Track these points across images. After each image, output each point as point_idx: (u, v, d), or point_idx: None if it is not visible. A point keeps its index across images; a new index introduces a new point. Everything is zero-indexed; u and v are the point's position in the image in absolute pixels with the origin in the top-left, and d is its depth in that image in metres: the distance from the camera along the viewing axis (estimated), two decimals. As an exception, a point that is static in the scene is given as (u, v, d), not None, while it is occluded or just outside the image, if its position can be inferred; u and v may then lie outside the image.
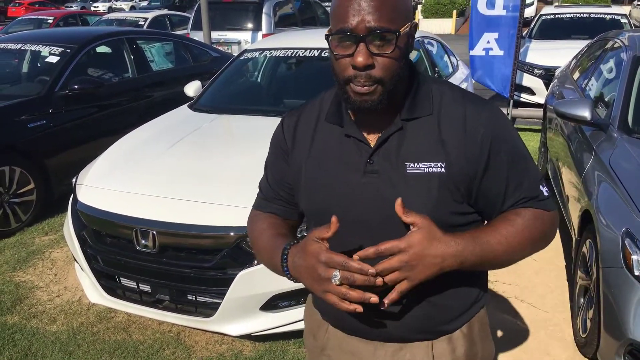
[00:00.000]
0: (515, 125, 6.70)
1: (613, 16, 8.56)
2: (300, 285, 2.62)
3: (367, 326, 1.13)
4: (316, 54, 3.79)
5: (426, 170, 1.04)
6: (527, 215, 1.09)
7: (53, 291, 3.22)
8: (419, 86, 1.10)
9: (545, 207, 1.11)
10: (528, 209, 1.10)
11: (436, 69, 4.76)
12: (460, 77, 5.20)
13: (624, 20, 8.40)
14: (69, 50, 4.65)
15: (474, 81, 6.39)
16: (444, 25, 21.09)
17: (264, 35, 8.34)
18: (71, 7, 30.84)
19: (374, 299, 0.95)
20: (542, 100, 6.49)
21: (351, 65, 0.99)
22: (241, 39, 8.63)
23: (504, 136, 1.08)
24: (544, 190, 1.12)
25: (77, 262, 2.90)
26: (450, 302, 1.13)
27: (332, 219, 0.98)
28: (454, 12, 21.28)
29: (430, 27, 20.93)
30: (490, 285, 3.13)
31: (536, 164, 5.34)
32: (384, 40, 0.97)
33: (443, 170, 1.04)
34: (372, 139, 1.09)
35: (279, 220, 1.25)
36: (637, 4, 19.94)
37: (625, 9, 10.45)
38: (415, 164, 1.05)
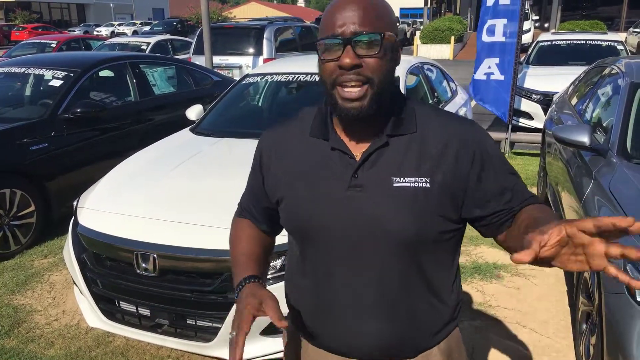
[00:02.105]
0: (514, 150, 6.74)
1: (609, 43, 8.67)
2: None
3: (346, 345, 1.16)
4: (317, 79, 3.83)
5: (412, 185, 1.06)
6: (538, 207, 1.12)
7: (51, 315, 3.19)
8: (403, 104, 1.13)
9: (539, 201, 1.16)
10: (533, 205, 1.12)
11: (435, 93, 4.81)
12: (459, 102, 5.25)
13: (620, 47, 8.52)
14: (72, 74, 4.70)
15: (473, 104, 6.45)
16: (443, 51, 21.36)
17: (265, 60, 8.45)
18: (74, 31, 31.30)
19: None
20: (540, 125, 6.54)
21: (338, 67, 1.02)
22: (242, 64, 8.73)
23: (491, 151, 1.12)
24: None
25: (76, 285, 2.88)
26: (427, 318, 1.15)
27: (282, 326, 1.00)
28: (452, 38, 21.57)
29: (429, 52, 21.21)
30: (491, 311, 3.11)
31: (536, 188, 5.40)
32: (370, 43, 1.01)
33: (428, 185, 1.06)
34: (358, 154, 1.10)
35: (257, 233, 1.32)
36: (633, 31, 20.23)
37: (621, 36, 10.60)
38: (402, 178, 1.07)
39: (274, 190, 1.20)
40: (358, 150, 1.10)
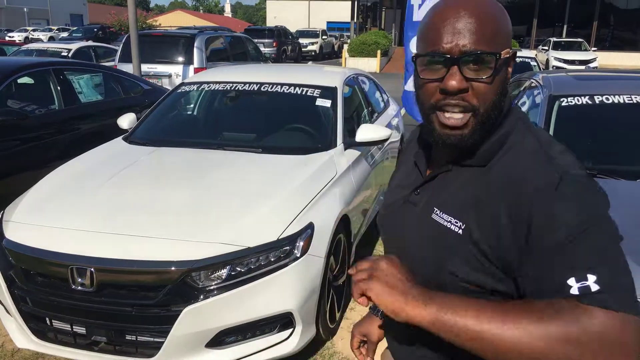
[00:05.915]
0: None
1: (523, 59, 9.31)
2: (246, 320, 2.53)
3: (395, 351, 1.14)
4: (255, 88, 3.83)
5: (445, 223, 0.91)
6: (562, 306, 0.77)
7: (-30, 338, 2.95)
8: (500, 131, 0.93)
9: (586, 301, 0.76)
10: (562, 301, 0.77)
11: (369, 104, 4.94)
12: (391, 113, 5.42)
13: (533, 63, 9.17)
14: (-11, 81, 4.39)
15: (403, 114, 6.68)
16: (370, 64, 21.95)
17: (196, 70, 8.30)
18: (-17, 35, 29.16)
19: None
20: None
21: (439, 90, 0.88)
22: (172, 72, 8.53)
23: (562, 218, 0.79)
24: (579, 284, 0.76)
25: (2, 304, 2.68)
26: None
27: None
28: (378, 52, 22.24)
29: (357, 65, 21.71)
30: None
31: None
32: (481, 64, 0.86)
33: (460, 232, 0.88)
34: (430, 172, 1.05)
35: None
36: (542, 49, 21.82)
37: (532, 53, 11.39)
38: (441, 212, 0.93)
39: None
40: (434, 167, 1.04)
